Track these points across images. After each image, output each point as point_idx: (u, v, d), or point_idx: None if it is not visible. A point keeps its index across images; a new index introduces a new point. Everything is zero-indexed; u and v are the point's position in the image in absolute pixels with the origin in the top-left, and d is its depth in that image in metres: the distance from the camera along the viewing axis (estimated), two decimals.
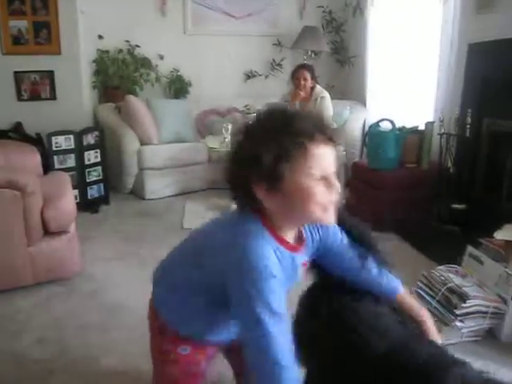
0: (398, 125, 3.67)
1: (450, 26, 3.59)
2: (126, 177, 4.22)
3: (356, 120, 4.60)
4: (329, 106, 4.34)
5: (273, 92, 4.77)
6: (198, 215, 3.78)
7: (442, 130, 3.40)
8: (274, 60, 5.23)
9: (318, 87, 4.44)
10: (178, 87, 4.98)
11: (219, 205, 3.95)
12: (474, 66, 3.31)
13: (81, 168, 3.81)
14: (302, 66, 4.43)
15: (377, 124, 3.55)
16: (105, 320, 2.29)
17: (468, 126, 3.26)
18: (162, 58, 4.89)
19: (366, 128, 4.46)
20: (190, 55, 5.03)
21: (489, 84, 3.15)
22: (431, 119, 3.68)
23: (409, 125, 3.70)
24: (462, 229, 3.18)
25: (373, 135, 3.53)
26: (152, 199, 4.19)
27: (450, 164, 3.38)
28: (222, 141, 3.61)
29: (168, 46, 4.90)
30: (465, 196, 3.31)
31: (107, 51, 4.64)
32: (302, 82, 4.31)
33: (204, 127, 4.77)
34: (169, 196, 4.27)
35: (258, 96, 4.91)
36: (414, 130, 3.55)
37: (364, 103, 4.82)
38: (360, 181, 3.71)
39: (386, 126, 3.55)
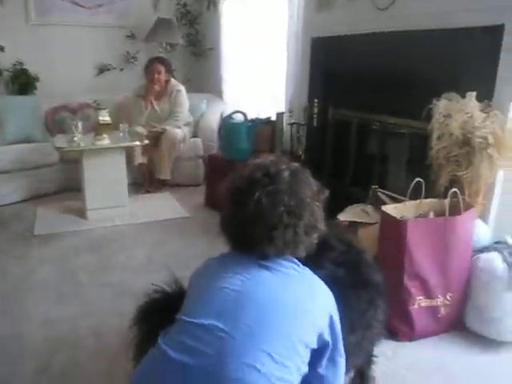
0: (253, 116, 3.77)
1: (295, 21, 3.74)
2: None
3: (213, 113, 4.62)
4: (185, 100, 4.31)
5: (127, 86, 4.59)
6: (52, 220, 3.53)
7: (292, 120, 3.54)
8: (128, 53, 5.04)
9: (173, 81, 4.38)
10: (22, 82, 4.56)
11: (73, 207, 3.71)
12: (317, 59, 3.50)
13: None
14: (156, 59, 4.33)
15: (230, 116, 3.59)
16: None
17: (315, 116, 3.44)
18: (2, 49, 4.44)
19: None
20: (35, 47, 4.64)
21: (331, 76, 3.34)
22: (283, 110, 3.81)
23: (264, 116, 3.81)
24: None
25: (226, 127, 3.57)
26: None
27: (300, 152, 3.54)
28: (71, 140, 3.37)
29: (8, 37, 4.45)
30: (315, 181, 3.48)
31: None
32: (156, 76, 4.22)
33: (54, 125, 4.43)
34: (17, 202, 3.90)
35: (112, 90, 4.71)
36: (266, 121, 3.66)
37: (221, 96, 4.87)
38: (217, 172, 3.73)
39: (239, 117, 3.61)
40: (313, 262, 1.50)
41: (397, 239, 2.03)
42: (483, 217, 2.35)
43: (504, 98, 2.24)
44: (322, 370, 1.17)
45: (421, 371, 1.91)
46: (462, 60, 2.40)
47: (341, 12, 3.21)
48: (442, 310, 2.13)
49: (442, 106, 2.20)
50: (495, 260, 2.11)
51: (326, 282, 1.39)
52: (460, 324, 2.20)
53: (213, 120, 4.53)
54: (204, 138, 4.45)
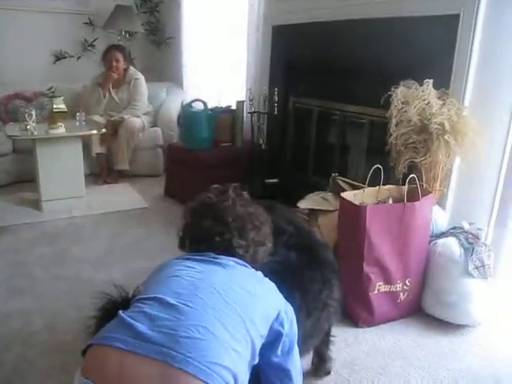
0: (213, 105, 3.70)
1: (256, 9, 3.69)
2: None
3: (173, 102, 4.53)
4: (144, 88, 4.22)
5: (85, 74, 4.44)
6: (4, 212, 3.38)
7: (253, 109, 3.50)
8: (85, 40, 4.86)
9: (132, 69, 4.28)
10: None
11: (28, 198, 3.57)
12: (277, 48, 3.47)
13: None
14: (114, 47, 4.22)
15: (189, 105, 3.52)
16: None
17: (276, 105, 3.41)
18: None
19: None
20: None
21: (292, 64, 3.33)
22: (244, 99, 3.77)
23: (224, 105, 3.76)
24: (275, 201, 3.32)
25: (185, 116, 3.51)
26: None
27: (261, 141, 3.51)
28: (24, 128, 3.23)
29: None
30: (277, 171, 3.47)
31: None
32: (114, 64, 4.10)
33: (7, 114, 4.24)
34: None
35: (69, 78, 4.55)
36: (227, 110, 3.61)
37: (181, 85, 4.78)
38: (177, 162, 3.67)
39: (199, 106, 3.54)
40: None
41: (356, 225, 2.03)
42: (440, 203, 2.40)
43: (460, 86, 2.28)
44: (276, 358, 1.20)
45: (381, 356, 1.93)
46: (419, 48, 2.42)
47: (301, 0, 3.18)
48: (401, 296, 2.16)
49: (400, 93, 2.21)
50: (452, 245, 2.15)
51: (281, 268, 1.40)
52: (418, 309, 2.23)
53: (173, 109, 4.45)
54: (164, 128, 4.36)
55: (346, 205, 2.10)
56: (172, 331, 1.00)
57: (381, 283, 2.10)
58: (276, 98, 3.39)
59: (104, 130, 3.56)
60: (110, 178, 4.11)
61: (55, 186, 3.37)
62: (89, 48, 4.87)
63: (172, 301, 1.06)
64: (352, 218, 2.06)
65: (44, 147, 3.30)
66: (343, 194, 2.14)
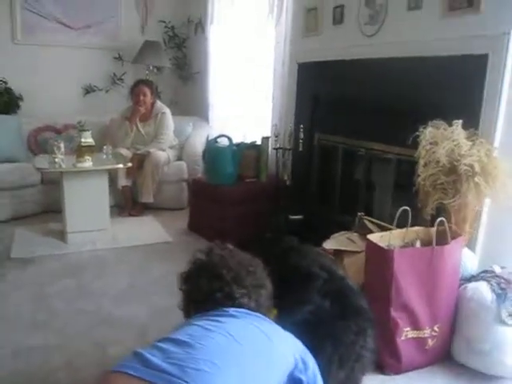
0: (239, 140, 3.73)
1: (282, 46, 3.75)
2: None
3: (199, 136, 4.58)
4: (170, 122, 4.28)
5: (114, 107, 4.56)
6: (30, 243, 3.43)
7: (278, 145, 3.51)
8: (114, 74, 5.01)
9: (159, 103, 4.36)
10: (6, 101, 4.50)
11: (54, 229, 3.62)
12: (303, 85, 3.50)
13: None
14: (141, 82, 4.32)
15: (215, 140, 3.55)
16: None
17: (301, 141, 3.41)
18: None
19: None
20: (20, 66, 4.60)
21: (317, 101, 3.34)
22: (269, 135, 3.79)
23: (250, 140, 3.78)
24: (300, 238, 3.28)
25: (211, 151, 3.53)
26: None
27: (286, 177, 3.50)
28: (52, 160, 3.30)
29: None
30: (301, 207, 3.44)
31: None
32: (142, 98, 4.19)
33: (37, 146, 4.36)
34: None
35: (98, 111, 4.68)
36: (252, 145, 3.62)
37: (207, 119, 4.83)
38: (201, 197, 3.68)
39: (224, 141, 3.57)
40: (299, 295, 1.47)
41: (383, 269, 1.98)
42: (470, 245, 2.32)
43: (489, 127, 2.24)
44: None
45: None
46: (447, 88, 2.39)
47: (327, 38, 3.22)
48: (430, 342, 2.07)
49: (428, 133, 2.18)
50: (483, 289, 2.07)
51: (314, 318, 1.37)
52: (447, 356, 2.14)
53: (198, 143, 4.49)
54: (189, 162, 4.40)
55: (372, 247, 2.05)
56: (182, 363, 1.03)
57: (408, 329, 2.02)
58: (301, 135, 3.39)
59: (130, 164, 3.61)
60: (134, 210, 4.14)
61: (80, 218, 3.40)
62: (117, 82, 5.00)
63: (184, 339, 1.10)
64: (379, 261, 2.01)
65: (71, 180, 3.35)
66: (370, 236, 2.09)
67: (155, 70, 5.01)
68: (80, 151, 3.31)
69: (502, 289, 2.05)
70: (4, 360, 2.06)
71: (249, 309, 1.26)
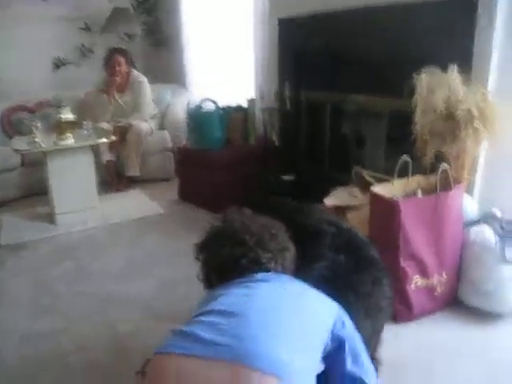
0: (222, 104, 3.63)
1: (261, 1, 3.60)
2: None
3: (180, 103, 4.43)
4: (147, 91, 4.16)
5: (88, 80, 4.36)
6: (19, 228, 3.34)
7: (264, 106, 3.44)
8: (83, 45, 4.78)
9: (135, 72, 4.22)
10: None
11: (41, 213, 3.52)
12: (285, 41, 3.38)
13: None
14: (116, 51, 4.14)
15: (199, 105, 3.45)
16: None
17: (287, 100, 3.34)
18: None
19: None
20: None
21: (302, 57, 3.24)
22: (253, 96, 3.70)
23: (233, 103, 3.68)
24: (293, 198, 3.24)
25: (196, 116, 3.43)
26: None
27: (274, 138, 3.45)
28: (32, 141, 3.16)
29: None
30: (292, 167, 3.41)
31: None
32: (117, 68, 4.03)
33: (11, 127, 4.18)
34: None
35: (71, 86, 4.46)
36: (238, 108, 3.54)
37: (185, 85, 4.69)
38: (189, 165, 3.61)
39: (209, 106, 3.47)
40: (312, 253, 1.45)
41: (390, 220, 1.98)
42: (468, 191, 2.33)
43: (482, 71, 2.21)
44: (346, 367, 1.16)
45: (424, 351, 1.88)
46: (437, 34, 2.34)
47: None
48: (438, 288, 2.10)
49: (424, 80, 2.14)
50: (486, 232, 2.10)
51: (331, 274, 1.36)
52: (455, 300, 2.18)
53: (179, 111, 4.36)
54: (171, 130, 4.29)
55: (377, 199, 2.04)
56: (234, 332, 0.98)
57: (418, 277, 2.04)
58: (287, 93, 3.31)
59: (114, 138, 3.49)
60: (120, 185, 4.05)
61: (68, 197, 3.30)
62: (88, 53, 4.78)
63: (226, 308, 1.05)
64: (385, 212, 2.01)
65: (54, 159, 3.23)
66: (373, 189, 2.09)
67: (126, 38, 4.80)
68: (61, 128, 3.17)
69: (503, 230, 2.09)
70: (12, 347, 2.02)
71: (276, 273, 1.23)
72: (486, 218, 2.20)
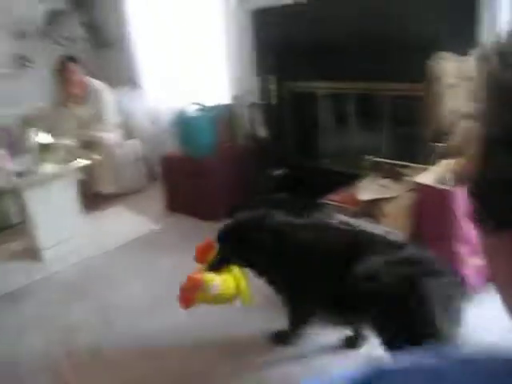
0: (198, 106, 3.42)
1: None
2: None
3: (140, 108, 4.13)
4: (109, 98, 3.82)
5: (29, 94, 3.93)
6: (3, 272, 2.95)
7: (248, 102, 3.31)
8: (20, 55, 4.27)
9: (93, 80, 3.86)
10: None
11: (16, 250, 3.18)
12: (260, 33, 3.22)
13: None
14: (67, 59, 3.74)
15: (183, 110, 3.24)
16: None
17: (271, 93, 3.23)
18: None
19: (154, 115, 4.12)
20: None
21: (282, 48, 3.10)
22: (229, 94, 3.54)
23: (206, 104, 3.46)
24: (290, 194, 3.18)
25: (183, 124, 3.22)
26: None
27: (262, 134, 3.34)
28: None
29: None
30: (283, 161, 3.33)
31: None
32: (73, 78, 3.67)
33: None
34: None
35: (10, 101, 3.88)
36: (221, 108, 3.37)
37: (141, 87, 4.30)
38: (177, 173, 3.41)
39: (191, 110, 3.28)
40: None
41: (443, 209, 2.00)
42: None
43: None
44: None
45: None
46: (440, 13, 2.35)
47: None
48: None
49: (449, 66, 2.16)
50: None
51: None
52: None
53: (142, 116, 4.08)
54: (141, 138, 4.01)
55: (427, 190, 2.05)
56: None
57: (473, 259, 2.09)
58: (271, 87, 3.21)
59: (99, 157, 3.20)
60: (94, 203, 3.72)
61: (53, 228, 2.99)
62: (27, 64, 4.28)
63: None
64: (437, 201, 2.02)
65: (33, 189, 2.89)
66: (419, 179, 2.09)
67: (67, 43, 4.36)
68: (39, 153, 2.83)
69: None
70: None
71: None
72: None
